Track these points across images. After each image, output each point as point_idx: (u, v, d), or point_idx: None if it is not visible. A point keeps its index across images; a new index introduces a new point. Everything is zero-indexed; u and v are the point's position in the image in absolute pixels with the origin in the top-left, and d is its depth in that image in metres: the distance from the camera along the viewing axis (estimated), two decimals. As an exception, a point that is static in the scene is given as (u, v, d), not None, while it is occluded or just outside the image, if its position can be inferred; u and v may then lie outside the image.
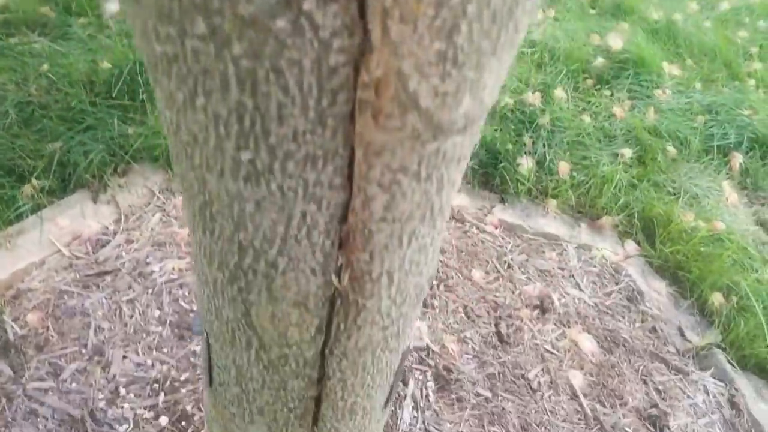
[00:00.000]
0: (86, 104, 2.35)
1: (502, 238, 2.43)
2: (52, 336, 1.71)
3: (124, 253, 1.97)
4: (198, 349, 1.72)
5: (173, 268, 1.94)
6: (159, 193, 2.23)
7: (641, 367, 1.99)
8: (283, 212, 0.54)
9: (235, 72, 0.45)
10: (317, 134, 0.48)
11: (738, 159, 3.05)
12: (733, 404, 1.96)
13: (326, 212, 0.55)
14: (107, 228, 2.07)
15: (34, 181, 2.07)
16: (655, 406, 1.86)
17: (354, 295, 0.63)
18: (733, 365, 2.07)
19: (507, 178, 2.64)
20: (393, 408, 1.65)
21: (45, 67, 2.48)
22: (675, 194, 2.77)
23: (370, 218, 0.55)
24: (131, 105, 2.45)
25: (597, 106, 3.15)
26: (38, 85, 2.41)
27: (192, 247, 0.70)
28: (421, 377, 1.76)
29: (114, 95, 2.41)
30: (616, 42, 3.44)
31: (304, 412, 0.81)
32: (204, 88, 0.46)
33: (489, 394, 1.75)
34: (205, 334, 0.80)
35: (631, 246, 2.50)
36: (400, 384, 1.70)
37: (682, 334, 2.18)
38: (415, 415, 1.66)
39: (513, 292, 2.14)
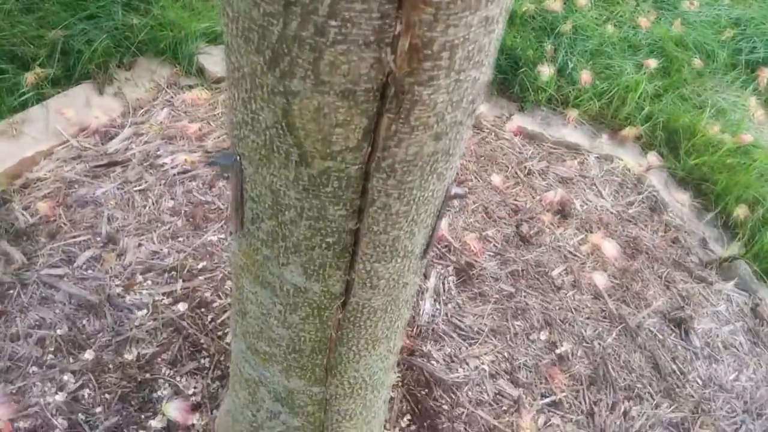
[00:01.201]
0: (89, -8, 2.22)
1: (522, 146, 2.35)
2: (64, 224, 1.65)
3: (133, 145, 1.90)
4: (214, 238, 1.67)
5: (185, 161, 1.87)
6: (166, 87, 2.13)
7: (664, 274, 1.95)
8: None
9: None
10: None
11: (766, 74, 2.93)
12: (757, 313, 1.93)
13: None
14: (115, 120, 1.98)
15: (37, 68, 1.97)
16: (680, 308, 1.82)
17: (409, 79, 0.55)
18: (757, 277, 2.03)
19: (527, 85, 2.54)
20: (415, 298, 1.61)
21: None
22: (700, 107, 2.67)
23: None
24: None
25: (621, 16, 3.01)
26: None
27: (226, 33, 0.62)
28: (442, 271, 1.71)
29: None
30: (643, -50, 3.25)
31: (343, 249, 0.76)
32: None
33: (512, 290, 1.71)
34: (236, 159, 0.73)
35: (654, 157, 2.43)
36: (422, 276, 1.66)
37: (705, 246, 2.13)
38: (438, 307, 1.62)
39: (533, 197, 2.08)
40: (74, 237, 1.62)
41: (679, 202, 2.29)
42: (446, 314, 1.60)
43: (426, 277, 1.68)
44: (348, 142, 0.62)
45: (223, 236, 1.65)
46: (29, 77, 1.94)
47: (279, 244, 0.78)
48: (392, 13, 0.51)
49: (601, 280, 1.80)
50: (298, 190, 0.69)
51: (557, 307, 1.70)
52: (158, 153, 1.88)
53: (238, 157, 0.73)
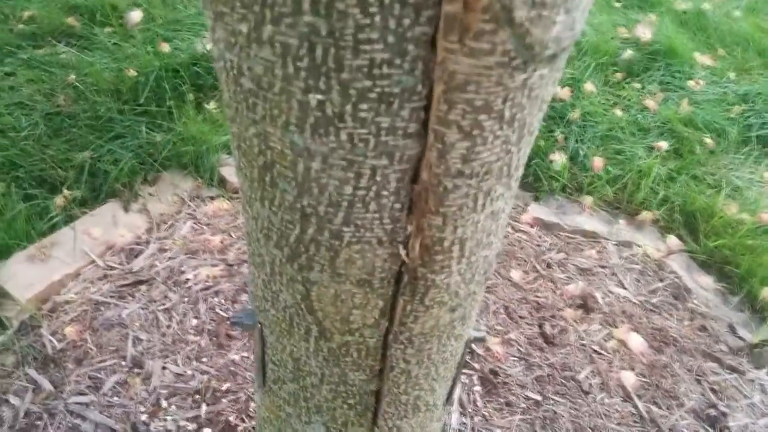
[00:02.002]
0: (114, 112, 2.34)
1: (539, 237, 2.36)
2: (91, 348, 1.68)
3: (157, 262, 1.94)
4: (237, 357, 1.67)
5: (208, 276, 1.90)
6: (189, 200, 2.20)
7: (694, 367, 1.91)
8: (351, 168, 0.49)
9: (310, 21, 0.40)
10: (395, 66, 0.42)
11: (778, 148, 2.94)
12: (793, 403, 1.87)
13: (398, 167, 0.50)
14: (140, 237, 2.04)
15: (65, 191, 2.05)
16: (713, 406, 1.77)
17: (422, 269, 0.57)
18: (790, 362, 1.97)
19: (540, 175, 2.57)
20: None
21: (72, 77, 2.48)
22: (716, 186, 2.67)
23: (447, 172, 0.50)
24: (158, 112, 2.43)
25: (628, 99, 3.07)
26: (66, 95, 2.41)
27: (246, 224, 0.65)
28: (467, 381, 1.69)
29: (141, 103, 2.40)
30: (644, 33, 3.36)
31: (365, 408, 0.76)
32: (273, 13, 0.41)
33: (539, 398, 1.68)
34: (258, 326, 0.75)
35: (673, 241, 2.42)
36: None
37: (734, 332, 2.09)
38: (464, 421, 1.59)
39: (554, 292, 2.07)
40: (101, 362, 1.64)
41: (703, 286, 2.26)
42: (473, 428, 1.57)
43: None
44: (366, 320, 0.64)
45: (246, 354, 1.66)
46: (58, 201, 2.02)
47: (301, 404, 0.79)
48: (403, 218, 0.54)
49: (629, 379, 1.76)
50: (318, 359, 0.71)
51: (587, 414, 1.66)
52: (182, 269, 1.92)
53: (260, 324, 0.75)
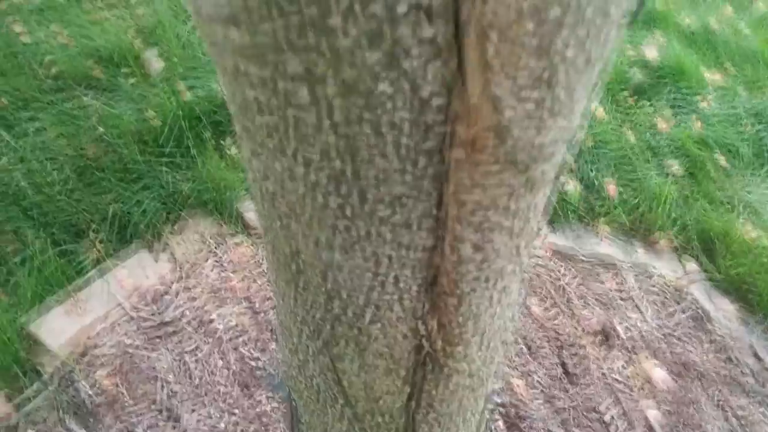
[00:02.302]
0: (138, 159, 2.42)
1: (556, 266, 2.39)
2: (123, 395, 1.74)
3: (186, 309, 2.01)
4: (268, 408, 1.73)
5: (232, 317, 1.96)
6: (213, 243, 2.27)
7: (717, 393, 1.92)
8: (376, 278, 0.55)
9: (335, 140, 0.45)
10: (409, 177, 0.47)
11: (793, 165, 2.95)
12: (818, 428, 1.88)
13: (418, 275, 0.55)
14: (165, 279, 2.11)
15: (96, 240, 2.13)
16: (737, 436, 1.79)
17: (441, 342, 0.62)
18: (813, 386, 1.99)
19: (555, 204, 2.61)
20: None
21: (97, 124, 2.57)
22: (731, 207, 2.69)
23: (463, 278, 0.55)
24: (180, 157, 2.51)
25: (639, 120, 3.10)
26: (94, 145, 2.49)
27: (274, 296, 0.70)
28: (490, 423, 1.73)
29: (163, 148, 2.48)
30: (652, 53, 3.39)
31: (390, 469, 0.81)
32: (304, 158, 0.46)
33: (562, 434, 1.71)
34: (289, 393, 0.81)
35: (690, 265, 2.44)
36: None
37: (756, 355, 2.10)
38: (489, 459, 1.63)
39: (574, 323, 2.10)
40: (136, 413, 1.70)
41: (723, 310, 2.27)
42: (499, 467, 1.61)
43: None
44: (389, 388, 0.69)
45: (276, 404, 1.71)
46: (89, 248, 2.10)
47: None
48: (421, 297, 0.59)
49: (653, 413, 1.79)
50: (344, 423, 0.76)
51: (611, 448, 1.69)
52: (209, 315, 1.98)
53: (289, 391, 0.81)
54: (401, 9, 0.36)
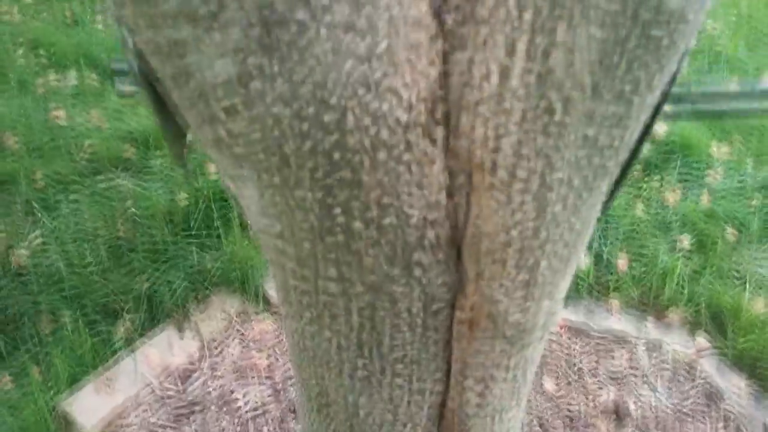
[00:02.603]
0: (168, 239, 2.56)
1: (569, 341, 2.45)
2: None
3: (210, 386, 2.10)
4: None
5: (257, 399, 2.04)
6: (237, 319, 2.37)
7: (729, 475, 1.94)
8: (391, 403, 0.64)
9: (359, 320, 0.56)
10: (423, 354, 0.58)
11: (802, 238, 3.01)
12: None
13: (429, 413, 0.65)
14: (193, 359, 2.21)
15: (126, 318, 2.25)
16: None
17: None
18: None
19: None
20: None
21: (129, 205, 2.73)
22: (742, 280, 2.74)
23: (467, 417, 0.64)
24: (207, 236, 2.64)
25: (648, 195, 3.19)
26: (125, 224, 2.65)
27: (302, 422, 0.80)
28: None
29: (192, 228, 2.62)
30: (660, 127, 3.51)
31: None
32: (334, 330, 0.57)
33: None
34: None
35: (702, 340, 2.48)
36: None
37: (768, 434, 2.12)
38: None
39: (586, 400, 2.15)
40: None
41: (735, 386, 2.30)
42: None
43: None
44: None
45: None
46: (120, 327, 2.21)
47: None
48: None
49: (665, 494, 1.81)
50: None
51: None
52: (232, 392, 2.06)
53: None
54: (417, 250, 0.48)
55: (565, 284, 0.59)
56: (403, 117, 0.42)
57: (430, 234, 0.49)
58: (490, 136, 0.44)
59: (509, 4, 0.40)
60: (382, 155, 0.44)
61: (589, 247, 2.82)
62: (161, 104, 0.54)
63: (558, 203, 0.51)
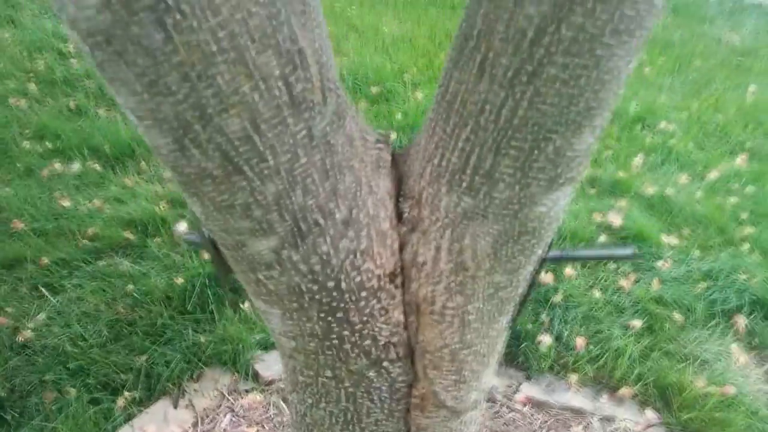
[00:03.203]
0: (165, 318, 2.79)
1: (531, 415, 2.69)
2: None
3: (202, 455, 2.29)
4: None
5: (245, 467, 2.24)
6: (228, 394, 2.59)
7: None
8: None
9: (345, 395, 0.83)
10: (390, 421, 0.85)
11: (742, 321, 3.32)
12: None
13: None
14: (185, 428, 2.40)
15: (126, 393, 2.45)
16: None
17: None
18: None
19: (530, 355, 2.95)
20: None
21: (130, 286, 2.97)
22: (686, 360, 3.03)
23: None
24: (201, 313, 2.88)
25: (605, 281, 3.51)
26: (125, 303, 2.88)
27: None
28: None
29: (188, 308, 2.86)
30: (616, 219, 3.88)
31: None
32: (327, 403, 0.85)
33: None
34: None
35: (650, 415, 2.74)
36: None
37: (708, 502, 2.35)
38: None
39: (545, 470, 2.38)
40: None
41: (681, 459, 2.55)
42: None
43: None
44: None
45: None
46: (119, 402, 2.41)
47: None
48: None
49: None
50: None
51: None
52: (223, 462, 2.26)
53: None
54: (384, 359, 0.77)
55: (486, 378, 0.87)
56: (375, 283, 0.71)
57: (393, 349, 0.78)
58: (428, 293, 0.73)
59: (440, 212, 0.70)
60: (362, 304, 0.73)
61: (551, 328, 3.11)
62: (219, 255, 0.82)
63: (476, 323, 0.81)
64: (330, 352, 0.77)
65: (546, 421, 2.66)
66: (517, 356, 2.99)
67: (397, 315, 0.76)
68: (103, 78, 0.58)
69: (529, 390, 2.83)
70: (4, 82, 4.42)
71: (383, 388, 0.82)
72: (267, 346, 2.79)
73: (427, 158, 0.70)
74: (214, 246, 0.78)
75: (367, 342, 0.75)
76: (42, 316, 2.80)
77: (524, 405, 2.75)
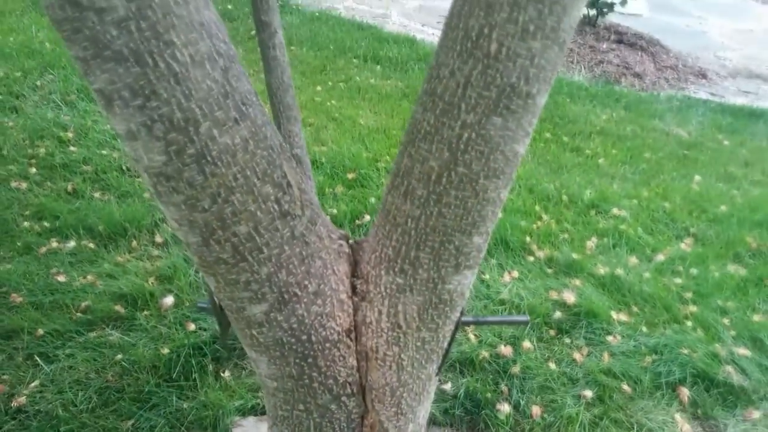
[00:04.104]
0: (152, 386, 3.02)
1: (489, 478, 2.92)
2: None
3: None
4: None
5: None
6: (207, 457, 2.79)
7: None
8: None
9: (313, 424, 1.12)
10: None
11: (685, 392, 3.62)
12: None
13: None
14: (168, 491, 2.59)
15: (113, 454, 2.65)
16: None
17: None
18: None
19: (489, 423, 3.20)
20: None
21: (119, 356, 3.19)
22: (633, 429, 3.30)
23: None
24: (185, 380, 3.11)
25: (560, 353, 3.81)
26: (114, 371, 3.10)
27: None
28: None
29: (173, 376, 3.09)
30: (569, 297, 4.23)
31: None
32: None
33: None
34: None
35: (598, 479, 2.98)
36: None
37: None
38: None
39: None
40: None
41: None
42: None
43: None
44: None
45: None
46: (108, 463, 2.61)
47: None
48: None
49: None
50: None
51: None
52: None
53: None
54: (343, 395, 1.08)
55: (422, 413, 1.17)
56: (336, 337, 1.02)
57: (349, 387, 1.08)
58: (374, 344, 1.05)
59: (381, 287, 1.04)
60: (326, 353, 1.04)
61: (510, 397, 3.38)
62: (224, 315, 1.13)
63: (409, 367, 1.12)
64: (302, 390, 1.07)
65: (503, 484, 2.89)
66: (478, 423, 3.23)
67: (352, 360, 1.07)
68: (159, 201, 0.91)
69: (488, 455, 3.06)
70: (7, 166, 4.74)
71: (342, 418, 1.12)
72: (245, 411, 3.01)
73: (372, 250, 1.04)
74: (221, 309, 1.09)
75: (330, 381, 1.06)
76: (36, 383, 3.00)
77: (483, 469, 2.98)
